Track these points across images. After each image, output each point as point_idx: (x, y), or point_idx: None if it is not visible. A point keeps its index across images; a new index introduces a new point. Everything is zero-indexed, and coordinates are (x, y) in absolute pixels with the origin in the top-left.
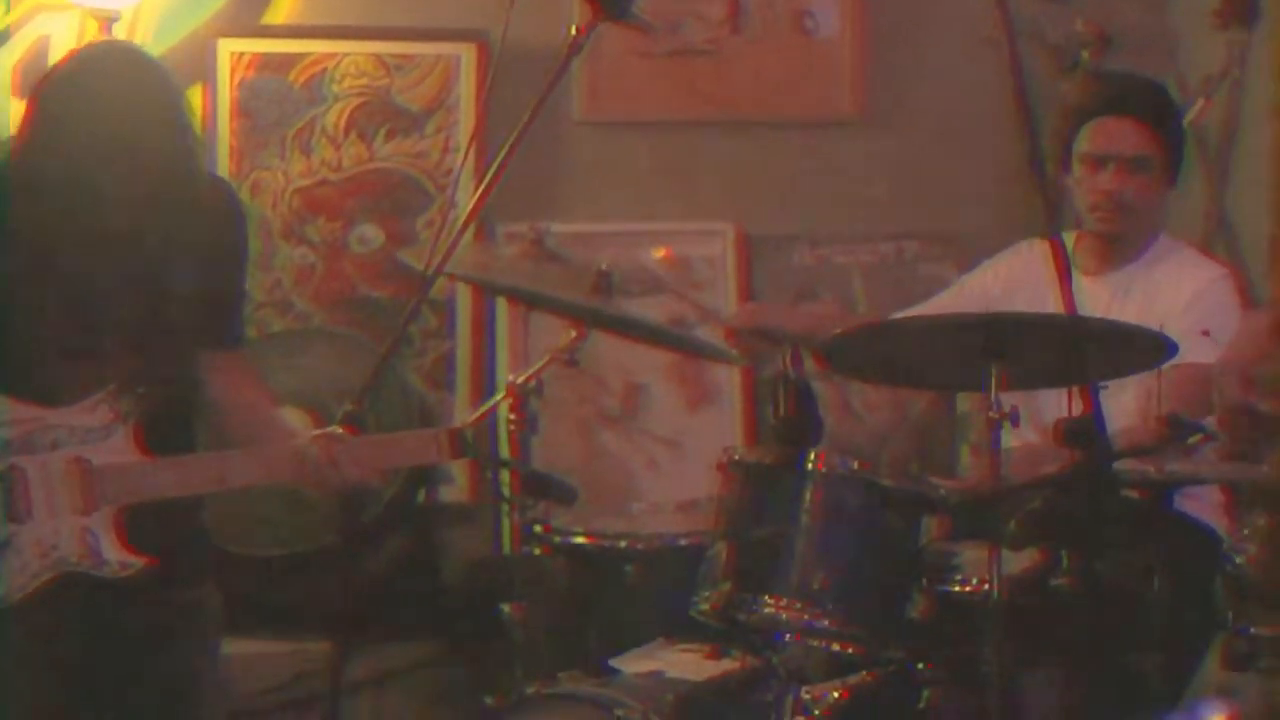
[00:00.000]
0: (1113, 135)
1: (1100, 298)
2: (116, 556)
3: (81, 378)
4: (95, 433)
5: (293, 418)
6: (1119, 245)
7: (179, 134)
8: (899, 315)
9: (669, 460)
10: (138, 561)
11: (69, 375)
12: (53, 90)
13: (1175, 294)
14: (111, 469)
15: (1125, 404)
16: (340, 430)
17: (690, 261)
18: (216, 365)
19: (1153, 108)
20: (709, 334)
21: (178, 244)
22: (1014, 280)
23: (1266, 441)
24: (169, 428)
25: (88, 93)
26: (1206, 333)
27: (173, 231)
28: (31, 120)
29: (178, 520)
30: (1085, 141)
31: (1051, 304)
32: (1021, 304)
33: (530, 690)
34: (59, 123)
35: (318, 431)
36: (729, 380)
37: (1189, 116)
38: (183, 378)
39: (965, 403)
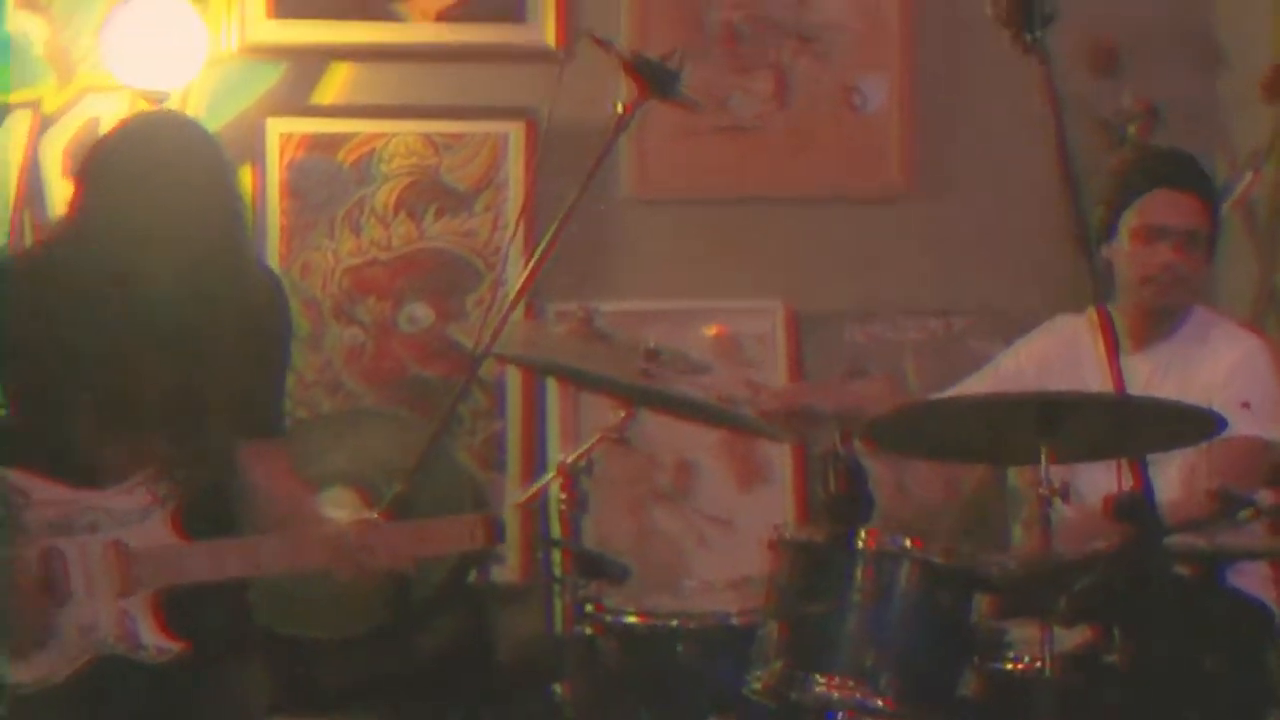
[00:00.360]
0: (1170, 208)
1: (1140, 373)
2: (154, 641)
3: (120, 460)
4: (133, 515)
5: (343, 498)
6: (1157, 320)
7: (229, 216)
8: (938, 396)
9: (720, 538)
10: (174, 646)
11: (108, 457)
12: (100, 166)
13: (1214, 367)
14: (149, 553)
15: (1170, 477)
16: (376, 517)
17: (740, 339)
18: (255, 454)
19: (1203, 181)
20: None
21: (222, 333)
22: (1048, 359)
23: None
24: (207, 512)
25: (135, 171)
26: (1247, 404)
27: (218, 320)
28: (78, 197)
29: (217, 602)
30: (1141, 214)
31: (1089, 381)
32: (1058, 383)
33: None
34: (105, 202)
35: (354, 518)
36: (780, 457)
37: (1238, 190)
38: (221, 464)
39: (1016, 478)
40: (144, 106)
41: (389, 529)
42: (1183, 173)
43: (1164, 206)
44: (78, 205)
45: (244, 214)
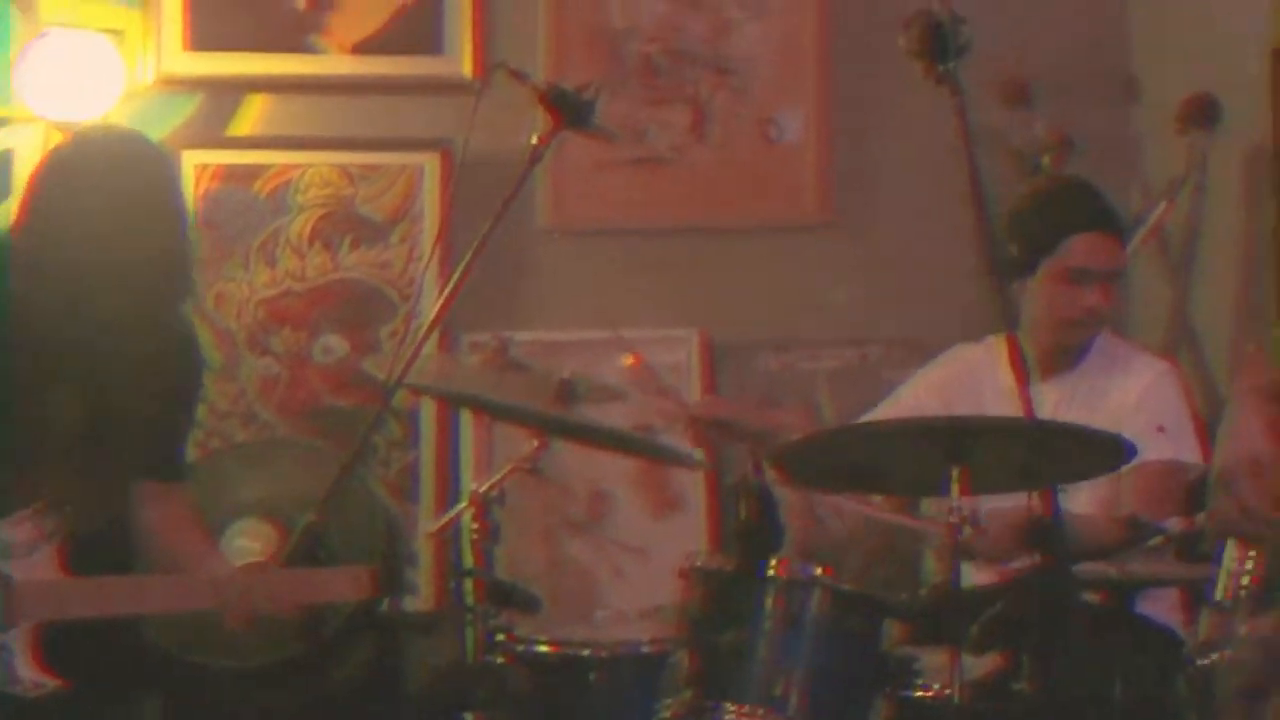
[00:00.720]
0: (1097, 253)
1: (1047, 402)
2: (30, 675)
3: (13, 491)
4: (20, 549)
5: (256, 529)
6: (1065, 351)
7: (161, 249)
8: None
9: (634, 568)
10: (50, 682)
11: (2, 486)
12: (34, 189)
13: (1124, 393)
14: (30, 586)
15: (1081, 504)
16: (265, 561)
17: (655, 368)
18: (153, 495)
19: (1120, 221)
20: (673, 439)
21: (136, 371)
22: (948, 389)
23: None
24: (98, 551)
25: (63, 196)
26: (1162, 429)
27: (134, 357)
28: (16, 218)
29: (104, 638)
30: (1067, 258)
31: (991, 410)
32: (961, 411)
33: None
34: (31, 225)
35: (242, 564)
36: (694, 487)
37: (1152, 220)
38: (118, 502)
39: (929, 507)
40: (59, 139)
41: (275, 576)
42: (1105, 215)
43: (1090, 251)
44: (13, 226)
45: (179, 245)
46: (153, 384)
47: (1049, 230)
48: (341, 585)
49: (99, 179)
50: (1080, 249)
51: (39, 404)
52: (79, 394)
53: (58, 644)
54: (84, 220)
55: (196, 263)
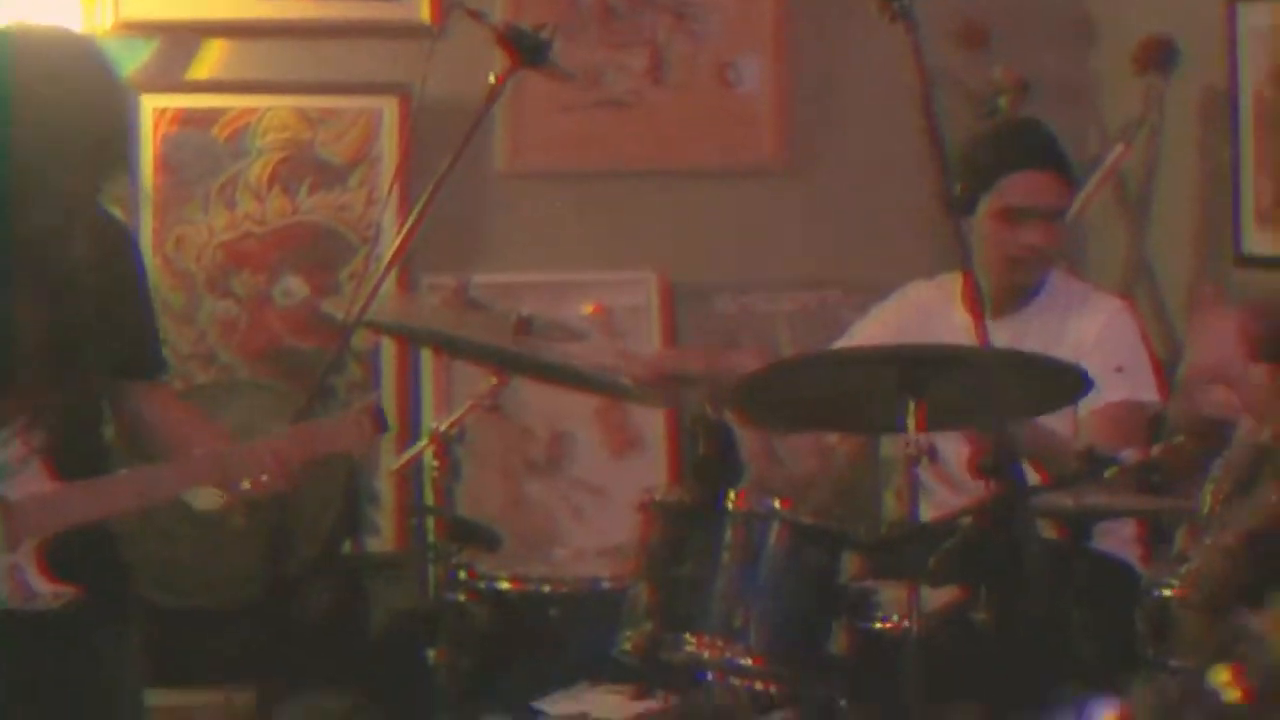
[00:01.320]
0: (1033, 191)
1: (1000, 339)
2: (47, 588)
3: None
4: (9, 468)
5: None
6: (1015, 291)
7: (96, 143)
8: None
9: (594, 506)
10: (68, 590)
11: None
12: None
13: (1080, 333)
14: (31, 501)
15: None
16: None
17: (614, 311)
18: (139, 394)
19: (1062, 158)
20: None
21: (85, 272)
22: (903, 325)
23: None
24: (81, 457)
25: (18, 80)
26: (1120, 368)
27: (81, 259)
28: None
29: (96, 551)
30: (1003, 196)
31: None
32: None
33: None
34: None
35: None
36: (654, 426)
37: (1108, 162)
38: (92, 408)
39: (888, 447)
40: None
41: (275, 438)
42: (1042, 152)
43: (1026, 189)
44: None
45: (114, 141)
46: (104, 282)
47: (988, 168)
48: (346, 433)
49: (40, 62)
50: (1017, 187)
51: (5, 316)
52: (37, 302)
53: (60, 558)
54: (29, 105)
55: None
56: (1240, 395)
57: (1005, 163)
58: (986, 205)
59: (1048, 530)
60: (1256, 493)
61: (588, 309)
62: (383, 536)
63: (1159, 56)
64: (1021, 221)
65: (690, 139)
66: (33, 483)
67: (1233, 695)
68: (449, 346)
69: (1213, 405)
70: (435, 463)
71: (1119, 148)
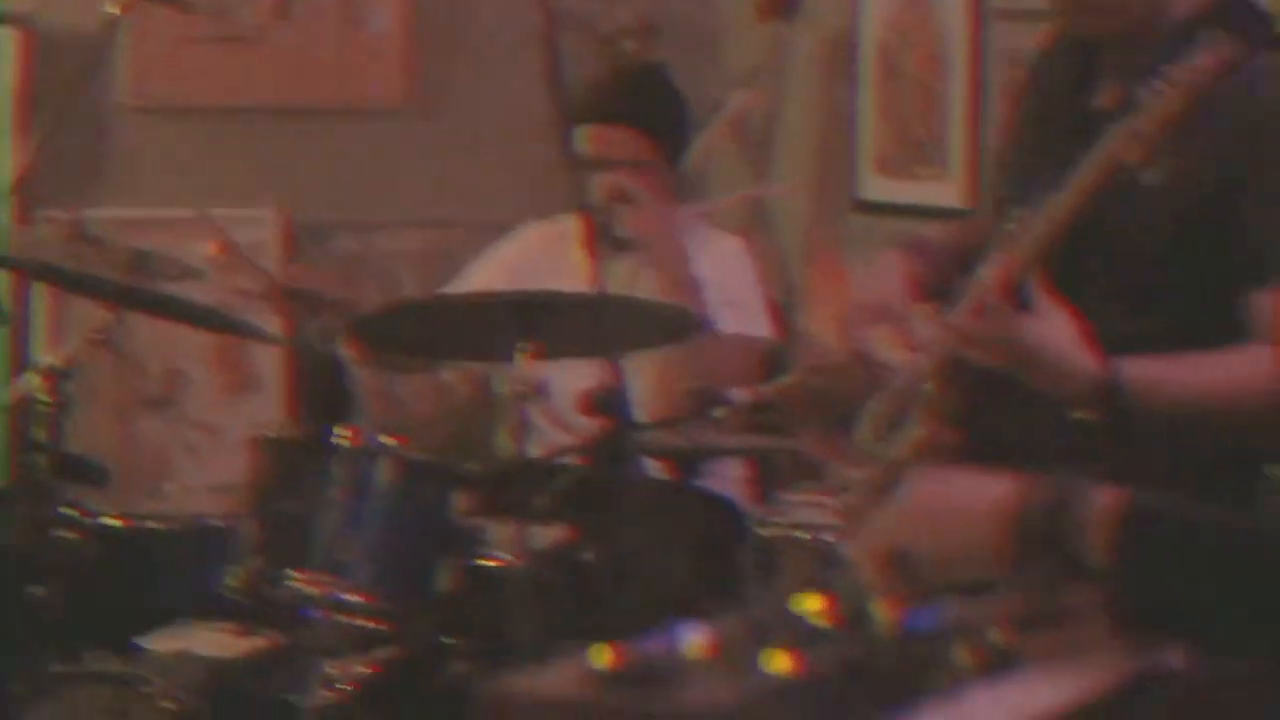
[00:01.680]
0: (599, 143)
1: (619, 275)
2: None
3: None
4: None
5: None
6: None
7: None
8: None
9: (208, 445)
10: None
11: None
12: None
13: (696, 270)
14: None
15: (647, 374)
16: None
17: (234, 248)
18: None
19: (638, 111)
20: (252, 316)
21: None
22: (520, 266)
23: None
24: None
25: None
26: (731, 303)
27: None
28: None
29: None
30: (580, 145)
31: (565, 285)
32: (531, 288)
33: (54, 671)
34: None
35: None
36: (271, 366)
37: (731, 108)
38: None
39: (503, 385)
40: None
41: None
42: (609, 106)
43: (594, 141)
44: None
45: None
46: None
47: (567, 121)
48: None
49: None
50: (583, 139)
51: None
52: None
53: None
54: None
55: None
56: (902, 333)
57: (577, 114)
58: (578, 155)
59: (659, 469)
60: (908, 427)
61: (211, 248)
62: None
63: (782, 3)
64: (593, 169)
65: (315, 76)
66: None
67: (821, 621)
68: (62, 280)
69: (873, 343)
70: (46, 398)
71: (742, 93)
